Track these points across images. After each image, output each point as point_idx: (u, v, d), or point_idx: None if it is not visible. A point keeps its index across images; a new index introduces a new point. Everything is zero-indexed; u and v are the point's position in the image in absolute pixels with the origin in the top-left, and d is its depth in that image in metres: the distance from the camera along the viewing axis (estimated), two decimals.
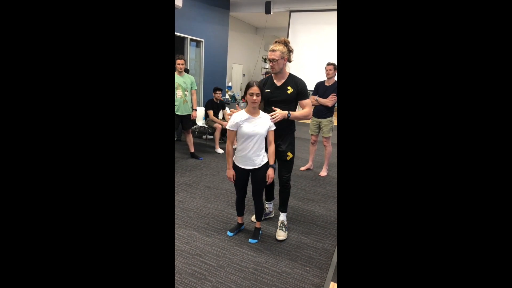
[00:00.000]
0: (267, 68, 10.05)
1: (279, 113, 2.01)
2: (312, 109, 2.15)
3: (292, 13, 6.32)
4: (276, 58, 2.02)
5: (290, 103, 2.11)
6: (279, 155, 2.17)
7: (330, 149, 3.73)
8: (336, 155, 4.50)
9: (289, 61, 2.11)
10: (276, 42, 2.08)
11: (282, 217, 2.35)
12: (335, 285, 1.65)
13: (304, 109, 2.13)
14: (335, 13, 5.49)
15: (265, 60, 9.92)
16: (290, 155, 2.18)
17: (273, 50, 2.03)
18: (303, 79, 2.19)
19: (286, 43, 2.08)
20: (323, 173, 3.79)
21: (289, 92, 2.09)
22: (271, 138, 2.03)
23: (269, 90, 2.13)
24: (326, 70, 3.44)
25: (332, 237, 2.34)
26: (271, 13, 6.24)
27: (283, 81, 2.12)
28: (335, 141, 5.08)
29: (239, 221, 2.33)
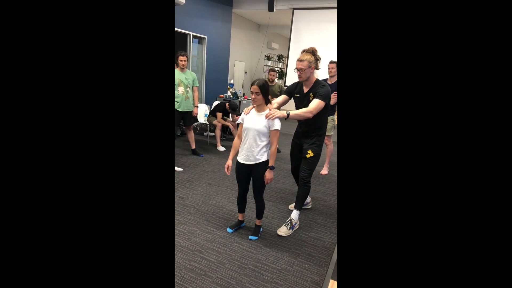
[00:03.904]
0: (269, 66, 10.04)
1: (276, 112, 1.98)
2: (317, 111, 2.13)
3: (295, 11, 6.29)
4: (304, 68, 2.10)
5: None
6: (302, 151, 2.31)
7: (332, 148, 3.72)
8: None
9: (317, 68, 2.19)
10: (304, 51, 2.14)
11: (293, 214, 2.36)
12: (335, 282, 1.66)
13: (309, 106, 2.12)
14: None
15: (267, 57, 9.90)
16: (310, 153, 2.24)
17: (300, 60, 2.10)
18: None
19: (314, 52, 2.15)
20: (324, 171, 3.79)
21: (311, 99, 2.17)
22: (272, 138, 1.99)
23: (298, 96, 2.29)
24: (329, 68, 3.43)
25: (332, 235, 2.34)
26: (274, 11, 6.21)
27: (308, 88, 2.22)
28: (336, 139, 5.07)
29: (240, 218, 2.34)
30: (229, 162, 2.10)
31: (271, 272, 1.86)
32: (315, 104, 2.10)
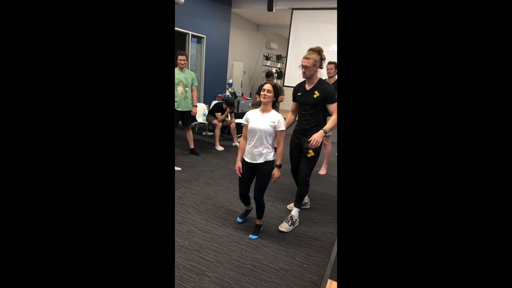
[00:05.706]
0: (268, 66, 10.04)
1: (316, 136, 2.18)
2: None
3: (294, 11, 6.30)
4: (309, 65, 2.20)
5: (316, 107, 2.28)
6: (301, 150, 2.38)
7: (330, 148, 3.73)
8: (336, 154, 4.51)
9: (321, 67, 2.28)
10: (310, 50, 2.24)
11: (294, 212, 2.44)
12: (333, 282, 1.66)
13: (332, 115, 2.28)
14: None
15: (266, 57, 9.90)
16: (311, 152, 2.31)
17: (307, 58, 2.20)
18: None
19: (319, 52, 2.24)
20: (322, 171, 3.80)
21: (315, 96, 2.27)
22: (279, 138, 2.07)
23: (300, 94, 2.37)
24: (327, 69, 3.44)
25: (330, 235, 2.35)
26: (273, 11, 6.22)
27: (312, 86, 2.31)
28: (335, 140, 5.09)
29: (247, 208, 2.43)
30: (239, 163, 2.12)
31: (270, 271, 1.86)
32: (333, 108, 2.27)
